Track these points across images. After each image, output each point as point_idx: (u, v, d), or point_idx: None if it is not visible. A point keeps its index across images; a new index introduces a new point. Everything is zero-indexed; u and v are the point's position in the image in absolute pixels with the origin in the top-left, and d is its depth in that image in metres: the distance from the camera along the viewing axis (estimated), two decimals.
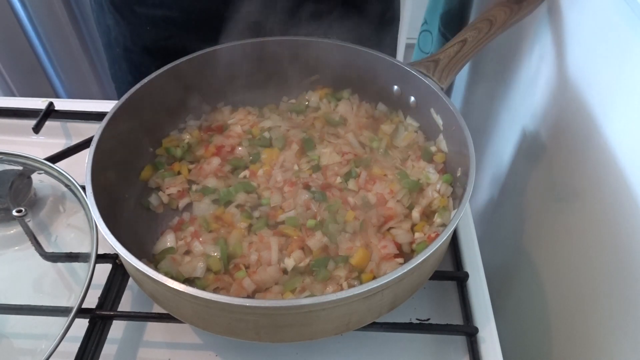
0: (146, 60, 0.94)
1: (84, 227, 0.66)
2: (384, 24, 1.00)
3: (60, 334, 0.55)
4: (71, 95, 1.91)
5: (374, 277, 0.62)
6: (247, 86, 0.85)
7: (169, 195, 0.74)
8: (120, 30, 0.92)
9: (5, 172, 0.74)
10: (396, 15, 1.04)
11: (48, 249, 0.67)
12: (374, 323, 0.59)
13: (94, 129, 0.66)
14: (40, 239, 0.68)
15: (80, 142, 0.79)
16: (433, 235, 0.66)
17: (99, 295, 0.64)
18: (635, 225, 0.56)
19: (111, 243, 0.54)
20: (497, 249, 0.97)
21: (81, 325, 0.61)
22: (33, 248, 0.67)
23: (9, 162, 0.74)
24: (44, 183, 0.76)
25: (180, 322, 0.59)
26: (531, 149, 0.85)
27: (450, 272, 0.70)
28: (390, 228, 0.69)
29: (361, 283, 0.62)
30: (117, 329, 0.65)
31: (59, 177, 0.71)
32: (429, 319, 0.67)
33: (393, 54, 1.10)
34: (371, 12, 0.96)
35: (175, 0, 0.83)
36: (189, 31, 0.86)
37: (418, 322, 0.66)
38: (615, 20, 0.60)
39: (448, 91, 1.05)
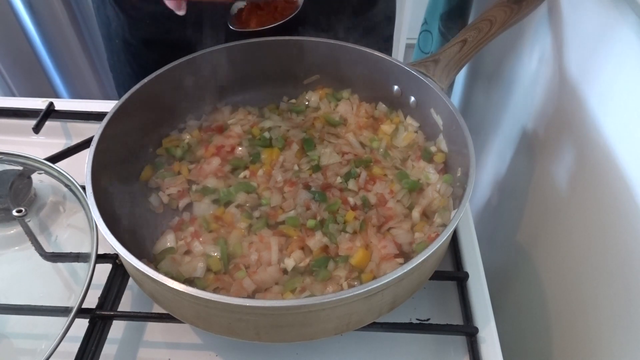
0: (144, 52, 0.94)
1: (84, 227, 0.66)
2: (379, 21, 1.00)
3: (60, 334, 0.55)
4: (71, 95, 1.91)
5: (374, 277, 0.62)
6: (247, 86, 0.85)
7: (169, 195, 0.74)
8: (119, 22, 0.92)
9: (5, 172, 0.74)
10: (392, 12, 1.04)
11: (48, 249, 0.67)
12: (374, 323, 0.59)
13: (94, 129, 0.66)
14: (40, 239, 0.68)
15: (80, 142, 0.79)
16: (433, 235, 0.66)
17: (99, 295, 0.64)
18: (635, 225, 0.56)
19: (111, 243, 0.54)
20: (497, 249, 0.97)
21: (81, 325, 0.61)
22: (33, 248, 0.67)
23: (9, 162, 0.74)
24: (44, 183, 0.76)
25: (180, 322, 0.59)
26: (531, 149, 0.85)
27: (450, 272, 0.70)
28: (390, 228, 0.69)
29: (361, 283, 0.62)
30: (117, 329, 0.65)
31: (59, 177, 0.71)
32: (429, 319, 0.67)
33: (388, 49, 1.10)
34: (367, 10, 0.96)
35: None
36: (188, 27, 0.86)
37: (418, 322, 0.66)
38: (615, 20, 0.60)
39: (448, 91, 1.06)
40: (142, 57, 0.95)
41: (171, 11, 0.64)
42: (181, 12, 0.63)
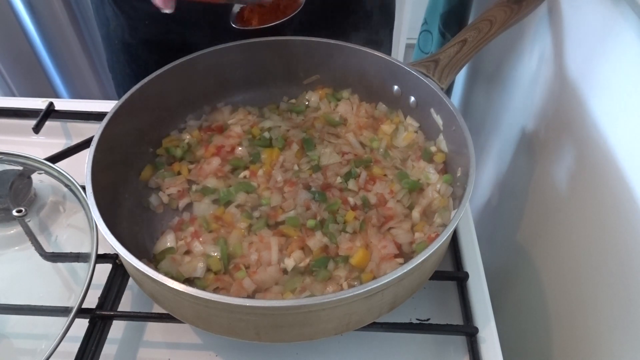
0: (144, 53, 0.94)
1: (84, 227, 0.66)
2: (379, 20, 1.00)
3: (60, 334, 0.55)
4: (71, 95, 1.91)
5: (374, 277, 0.62)
6: (247, 86, 0.85)
7: (169, 195, 0.74)
8: (119, 23, 0.92)
9: (5, 172, 0.74)
10: (392, 10, 1.04)
11: (48, 249, 0.67)
12: (374, 323, 0.59)
13: (94, 129, 0.66)
14: (40, 239, 0.68)
15: (80, 142, 0.79)
16: (433, 235, 0.66)
17: (99, 295, 0.64)
18: (635, 225, 0.56)
19: (111, 243, 0.54)
20: (497, 249, 0.97)
21: (81, 325, 0.61)
22: (33, 248, 0.67)
23: (9, 162, 0.74)
24: (44, 183, 0.76)
25: (180, 322, 0.59)
26: (531, 149, 0.85)
27: (450, 272, 0.70)
28: (390, 228, 0.69)
29: (361, 283, 0.62)
30: (117, 329, 0.65)
31: (59, 177, 0.71)
32: (429, 319, 0.67)
33: (388, 49, 1.10)
34: (367, 10, 0.96)
35: None
36: (188, 27, 0.86)
37: (418, 322, 0.66)
38: (615, 20, 0.60)
39: (448, 91, 1.06)
40: (142, 58, 0.95)
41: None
42: (168, 10, 0.61)
